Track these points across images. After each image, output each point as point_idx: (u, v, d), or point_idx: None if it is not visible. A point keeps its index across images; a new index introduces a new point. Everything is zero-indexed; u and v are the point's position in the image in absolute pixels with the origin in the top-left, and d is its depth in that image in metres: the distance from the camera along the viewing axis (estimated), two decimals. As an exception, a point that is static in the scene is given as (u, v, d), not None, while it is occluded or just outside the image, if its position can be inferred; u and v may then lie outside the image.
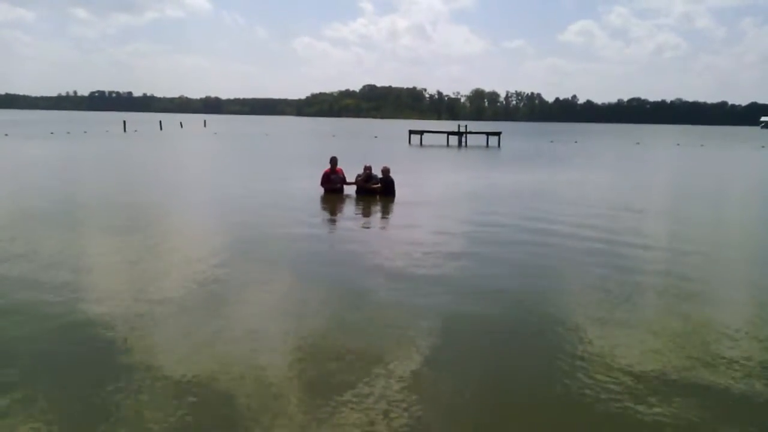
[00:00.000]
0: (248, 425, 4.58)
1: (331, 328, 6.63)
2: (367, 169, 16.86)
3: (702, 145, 61.79)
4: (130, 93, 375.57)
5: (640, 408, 4.90)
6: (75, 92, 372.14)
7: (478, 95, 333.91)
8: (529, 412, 4.98)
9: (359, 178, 16.74)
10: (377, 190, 16.41)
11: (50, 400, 4.90)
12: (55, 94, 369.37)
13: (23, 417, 4.61)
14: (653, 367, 5.67)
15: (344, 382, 5.27)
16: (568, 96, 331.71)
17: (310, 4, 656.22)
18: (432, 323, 6.83)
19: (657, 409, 4.89)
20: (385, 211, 14.85)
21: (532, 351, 6.16)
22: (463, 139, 53.54)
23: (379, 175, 16.66)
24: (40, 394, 4.97)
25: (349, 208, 15.16)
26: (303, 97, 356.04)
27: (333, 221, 13.95)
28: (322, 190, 16.93)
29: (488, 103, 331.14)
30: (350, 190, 16.89)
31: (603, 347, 6.16)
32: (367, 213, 14.55)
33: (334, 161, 17.07)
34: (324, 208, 15.20)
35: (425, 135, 55.40)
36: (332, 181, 16.80)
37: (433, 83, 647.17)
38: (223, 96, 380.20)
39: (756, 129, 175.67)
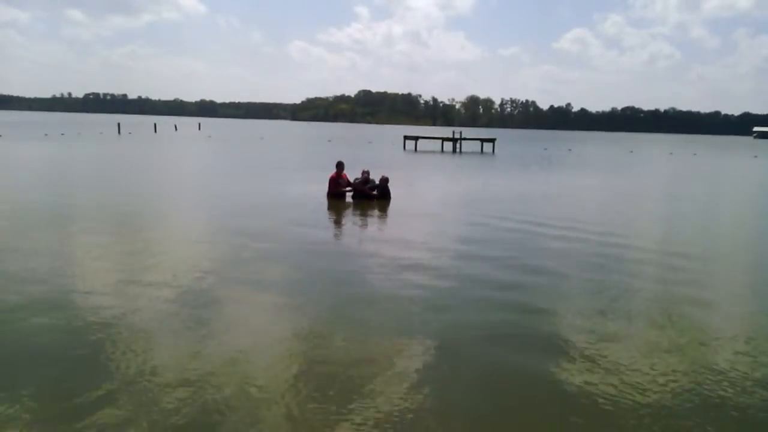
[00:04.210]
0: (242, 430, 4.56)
1: (324, 334, 6.60)
2: (365, 173, 17.17)
3: (695, 154, 62.15)
4: (124, 95, 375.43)
5: (635, 414, 4.93)
6: (69, 94, 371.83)
7: (473, 102, 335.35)
8: (524, 416, 4.98)
9: (357, 181, 16.99)
10: (374, 196, 16.66)
11: (36, 402, 4.86)
12: (49, 96, 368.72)
13: (9, 418, 4.58)
14: (648, 373, 5.69)
15: (338, 388, 5.25)
16: (563, 104, 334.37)
17: (305, 9, 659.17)
18: (426, 330, 6.83)
19: (652, 417, 4.91)
20: (382, 218, 14.89)
21: (529, 356, 6.14)
22: (458, 146, 53.64)
23: (377, 182, 16.96)
24: (24, 395, 4.94)
25: (346, 214, 15.16)
26: (298, 101, 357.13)
27: (328, 227, 13.90)
28: (324, 195, 17.09)
29: (483, 110, 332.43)
30: (349, 194, 17.02)
31: (598, 352, 6.18)
32: (364, 219, 14.57)
33: (340, 166, 17.30)
34: (319, 214, 15.15)
35: (420, 141, 55.45)
36: (339, 185, 17.03)
37: (429, 89, 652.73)
38: (218, 99, 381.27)
39: (749, 139, 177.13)
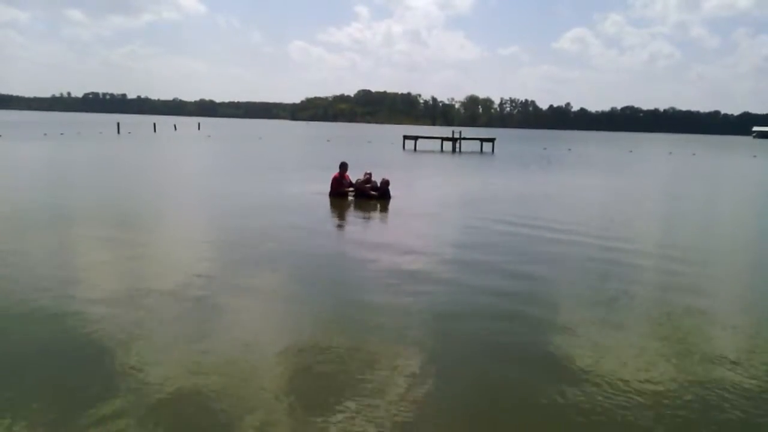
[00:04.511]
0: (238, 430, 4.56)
1: (324, 334, 6.61)
2: (368, 174, 17.47)
3: (694, 154, 62.15)
4: (124, 95, 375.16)
5: (631, 418, 4.94)
6: (69, 93, 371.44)
7: (472, 101, 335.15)
8: (520, 419, 4.99)
9: (359, 181, 17.29)
10: (374, 196, 16.89)
11: (34, 403, 4.85)
12: (48, 95, 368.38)
13: (10, 422, 4.57)
14: (646, 377, 5.69)
15: (336, 389, 5.25)
16: (562, 103, 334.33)
17: (305, 9, 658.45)
18: (425, 332, 6.83)
19: (648, 421, 4.92)
20: (382, 219, 14.95)
21: (527, 357, 6.15)
22: (457, 145, 53.60)
23: (378, 184, 17.22)
24: (22, 398, 4.93)
25: (347, 214, 15.21)
26: (297, 101, 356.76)
27: (329, 227, 13.89)
28: (324, 194, 17.25)
29: (482, 110, 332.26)
30: (350, 194, 17.21)
31: (597, 357, 6.19)
32: (364, 220, 14.61)
33: (344, 166, 17.60)
34: (320, 214, 15.14)
35: (419, 140, 55.37)
36: (342, 185, 17.28)
37: (428, 89, 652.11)
38: (218, 99, 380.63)
39: (748, 138, 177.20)
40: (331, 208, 15.85)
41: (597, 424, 4.83)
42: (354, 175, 17.70)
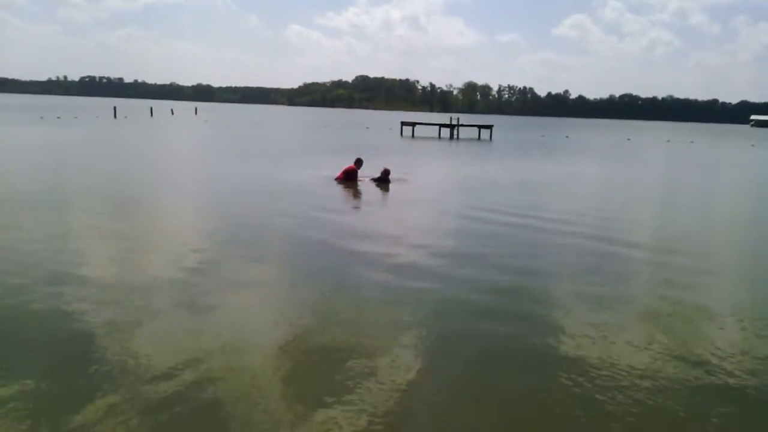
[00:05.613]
0: (234, 423, 4.51)
1: (319, 324, 6.63)
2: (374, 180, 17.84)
3: (692, 142, 62.14)
4: (120, 79, 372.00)
5: (631, 405, 5.00)
6: (65, 77, 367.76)
7: (470, 88, 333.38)
8: (518, 408, 5.04)
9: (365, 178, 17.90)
10: (374, 182, 17.53)
11: (30, 395, 4.79)
12: (44, 79, 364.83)
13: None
14: (643, 361, 5.76)
15: (333, 379, 5.29)
16: (560, 91, 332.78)
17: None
18: (422, 319, 6.87)
19: (645, 406, 4.99)
20: (382, 204, 15.13)
21: (524, 345, 6.21)
22: (455, 132, 53.50)
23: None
24: (17, 388, 4.87)
25: (349, 200, 15.29)
26: (295, 86, 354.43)
27: (331, 212, 13.82)
28: (325, 180, 17.57)
29: (480, 97, 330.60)
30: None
31: (595, 342, 6.26)
32: (366, 206, 14.73)
33: (359, 163, 18.14)
34: (323, 199, 15.15)
35: (417, 127, 55.26)
36: (353, 178, 17.65)
37: (426, 75, 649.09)
38: (215, 83, 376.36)
39: (746, 127, 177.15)
40: (335, 193, 15.99)
41: (592, 413, 4.89)
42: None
